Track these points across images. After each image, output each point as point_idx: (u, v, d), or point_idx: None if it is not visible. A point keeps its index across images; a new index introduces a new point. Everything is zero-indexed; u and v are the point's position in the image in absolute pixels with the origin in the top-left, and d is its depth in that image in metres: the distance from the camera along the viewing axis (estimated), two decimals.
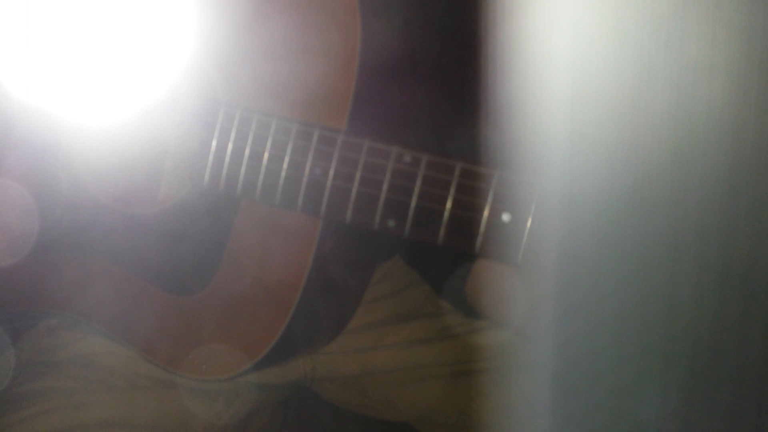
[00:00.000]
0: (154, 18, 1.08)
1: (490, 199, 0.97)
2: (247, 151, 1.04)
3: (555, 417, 0.49)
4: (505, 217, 0.97)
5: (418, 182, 0.99)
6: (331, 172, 1.01)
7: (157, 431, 1.17)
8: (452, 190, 0.98)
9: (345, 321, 1.21)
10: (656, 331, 0.49)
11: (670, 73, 0.49)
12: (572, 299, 0.50)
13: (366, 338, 1.25)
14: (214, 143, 1.06)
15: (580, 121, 0.50)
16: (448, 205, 0.98)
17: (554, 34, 0.50)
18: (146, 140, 1.11)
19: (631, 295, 0.49)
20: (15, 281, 1.19)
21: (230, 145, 1.05)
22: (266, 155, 1.04)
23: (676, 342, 0.48)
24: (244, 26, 1.07)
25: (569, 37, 0.50)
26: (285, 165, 1.03)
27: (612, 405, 0.49)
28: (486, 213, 0.97)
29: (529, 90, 0.51)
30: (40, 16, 1.09)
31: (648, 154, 0.49)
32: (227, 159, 1.05)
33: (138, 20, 1.09)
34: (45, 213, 1.17)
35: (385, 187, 0.99)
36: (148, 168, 1.11)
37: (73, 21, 1.09)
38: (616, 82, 0.49)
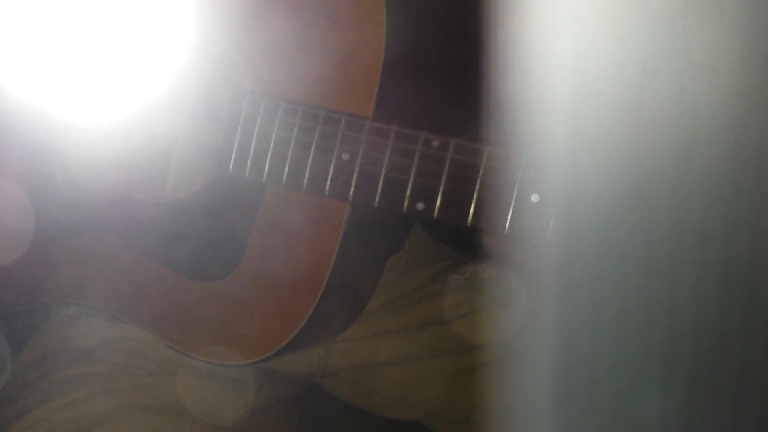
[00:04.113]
0: (176, 6, 1.06)
1: (518, 181, 0.95)
2: (273, 138, 1.03)
3: (556, 419, 0.48)
4: (534, 197, 0.95)
5: (447, 166, 0.97)
6: (359, 157, 0.99)
7: (190, 419, 1.14)
8: (480, 173, 0.96)
9: (361, 309, 1.18)
10: (658, 331, 0.47)
11: (672, 71, 0.46)
12: (573, 300, 0.48)
13: (375, 323, 1.22)
14: (239, 131, 1.04)
15: (581, 121, 0.48)
16: (477, 187, 0.96)
17: (555, 33, 0.48)
18: (157, 131, 1.10)
19: (633, 295, 0.47)
20: (24, 274, 1.17)
21: (256, 133, 1.03)
22: (293, 141, 1.02)
23: (678, 343, 0.46)
24: (269, 16, 1.05)
25: (571, 35, 0.48)
26: (312, 151, 1.01)
27: (613, 406, 0.47)
28: (514, 195, 0.95)
29: (530, 89, 0.49)
30: (39, 12, 1.07)
31: (650, 153, 0.47)
32: (253, 146, 1.03)
33: (156, 9, 1.07)
34: (47, 193, 1.14)
35: (413, 171, 0.98)
36: (158, 159, 1.10)
37: (80, 17, 1.07)
38: (618, 81, 0.47)
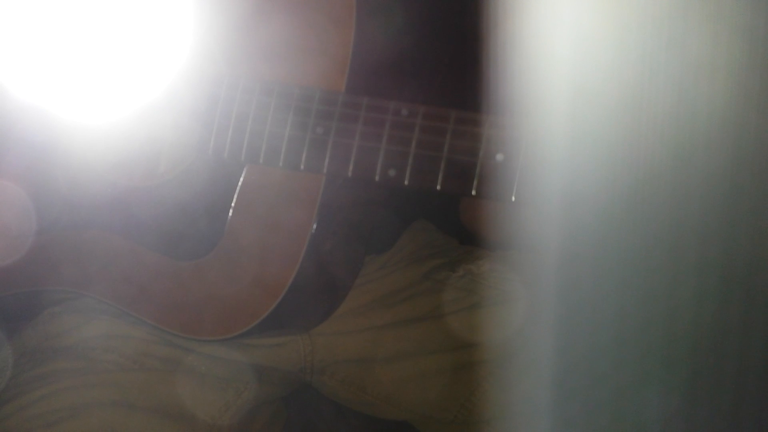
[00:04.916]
0: (160, 7, 1.05)
1: (483, 141, 0.95)
2: (250, 118, 1.02)
3: (555, 418, 0.48)
4: (499, 157, 0.95)
5: (416, 131, 0.97)
6: (333, 129, 0.99)
7: (166, 416, 1.12)
8: (448, 136, 0.96)
9: (340, 295, 1.17)
10: (657, 331, 0.46)
11: (672, 72, 0.46)
12: (573, 300, 0.47)
13: (364, 318, 1.21)
14: (218, 113, 1.03)
15: (581, 121, 0.47)
16: (445, 150, 0.96)
17: (555, 33, 0.47)
18: (147, 118, 1.08)
19: (632, 295, 0.47)
20: (25, 262, 1.15)
21: (234, 114, 1.02)
22: (269, 119, 1.01)
23: (677, 343, 0.46)
24: (245, 9, 1.04)
25: (570, 36, 0.47)
26: (288, 127, 1.00)
27: (613, 406, 0.47)
28: (480, 155, 0.95)
29: (529, 89, 0.48)
30: (34, 13, 1.05)
31: (649, 153, 0.46)
32: (231, 127, 1.02)
33: (143, 11, 1.06)
34: (48, 193, 1.13)
35: (384, 138, 0.97)
36: (149, 144, 1.09)
37: (68, 15, 1.05)
38: (617, 82, 0.46)
